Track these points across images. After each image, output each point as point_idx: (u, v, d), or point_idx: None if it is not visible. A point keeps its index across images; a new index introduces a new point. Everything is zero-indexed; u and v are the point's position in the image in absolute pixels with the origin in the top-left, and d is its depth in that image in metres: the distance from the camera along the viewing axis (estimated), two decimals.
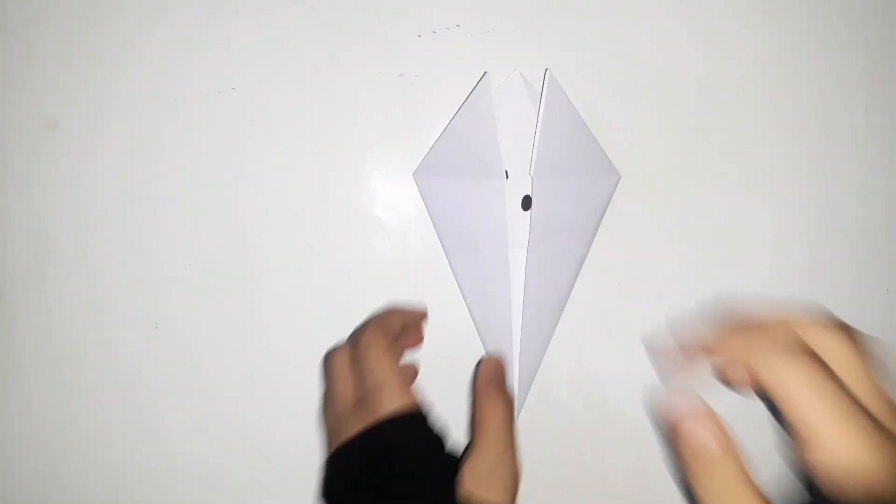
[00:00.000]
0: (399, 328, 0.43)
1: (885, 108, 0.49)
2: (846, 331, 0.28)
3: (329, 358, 0.40)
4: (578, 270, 0.46)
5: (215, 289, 0.46)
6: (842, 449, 0.23)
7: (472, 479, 0.33)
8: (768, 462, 0.44)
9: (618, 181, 0.46)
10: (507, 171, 0.44)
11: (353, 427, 0.36)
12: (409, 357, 0.45)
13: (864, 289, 0.47)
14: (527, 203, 0.45)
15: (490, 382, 0.37)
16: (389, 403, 0.35)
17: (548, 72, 0.43)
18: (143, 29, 0.44)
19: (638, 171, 0.47)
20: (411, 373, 0.44)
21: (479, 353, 0.47)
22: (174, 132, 0.45)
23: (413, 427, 0.35)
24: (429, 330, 0.46)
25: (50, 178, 0.45)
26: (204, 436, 0.47)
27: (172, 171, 0.45)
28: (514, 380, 0.45)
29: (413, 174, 0.45)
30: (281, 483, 0.48)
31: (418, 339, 0.45)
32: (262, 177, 0.45)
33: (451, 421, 0.39)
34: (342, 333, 0.47)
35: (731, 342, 0.29)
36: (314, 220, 0.46)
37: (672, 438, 0.26)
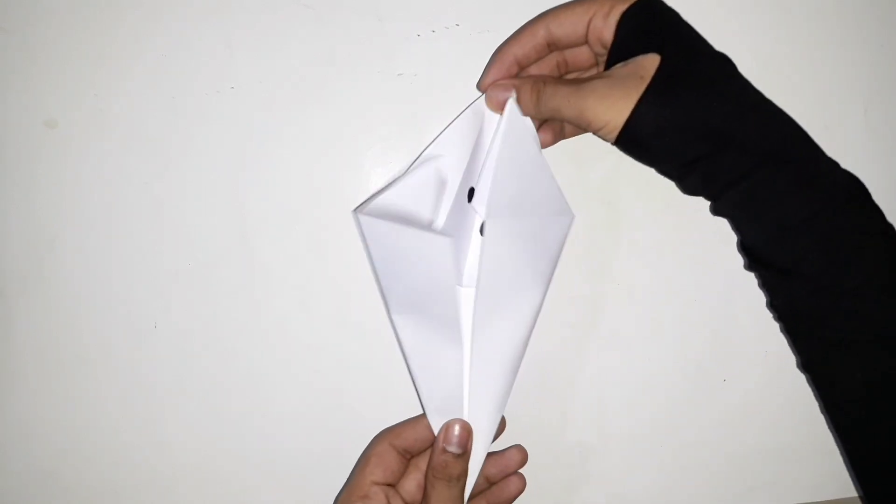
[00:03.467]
0: (411, 444, 0.42)
1: (884, 108, 0.49)
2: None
3: None
4: (532, 324, 0.42)
5: (215, 289, 0.46)
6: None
7: None
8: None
9: (572, 222, 0.42)
10: (472, 190, 0.41)
11: None
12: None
13: None
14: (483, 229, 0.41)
15: (436, 474, 0.39)
16: None
17: (510, 101, 0.39)
18: (143, 29, 0.44)
19: (638, 170, 0.46)
20: (412, 486, 0.43)
21: None
22: (174, 132, 0.45)
23: None
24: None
25: (50, 178, 0.45)
26: (204, 435, 0.47)
27: (172, 170, 0.45)
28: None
29: (356, 212, 0.40)
30: (281, 483, 0.48)
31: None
32: (262, 176, 0.45)
33: None
34: (342, 333, 0.47)
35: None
36: (313, 220, 0.46)
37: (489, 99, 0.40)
